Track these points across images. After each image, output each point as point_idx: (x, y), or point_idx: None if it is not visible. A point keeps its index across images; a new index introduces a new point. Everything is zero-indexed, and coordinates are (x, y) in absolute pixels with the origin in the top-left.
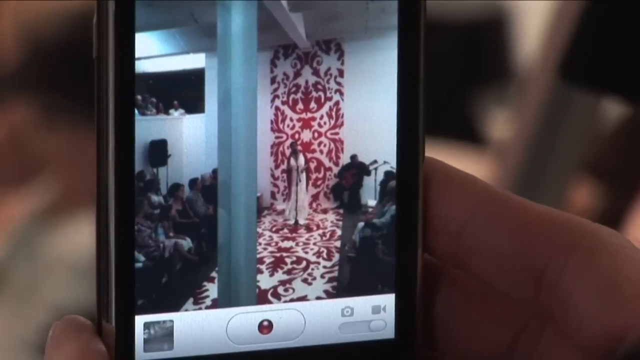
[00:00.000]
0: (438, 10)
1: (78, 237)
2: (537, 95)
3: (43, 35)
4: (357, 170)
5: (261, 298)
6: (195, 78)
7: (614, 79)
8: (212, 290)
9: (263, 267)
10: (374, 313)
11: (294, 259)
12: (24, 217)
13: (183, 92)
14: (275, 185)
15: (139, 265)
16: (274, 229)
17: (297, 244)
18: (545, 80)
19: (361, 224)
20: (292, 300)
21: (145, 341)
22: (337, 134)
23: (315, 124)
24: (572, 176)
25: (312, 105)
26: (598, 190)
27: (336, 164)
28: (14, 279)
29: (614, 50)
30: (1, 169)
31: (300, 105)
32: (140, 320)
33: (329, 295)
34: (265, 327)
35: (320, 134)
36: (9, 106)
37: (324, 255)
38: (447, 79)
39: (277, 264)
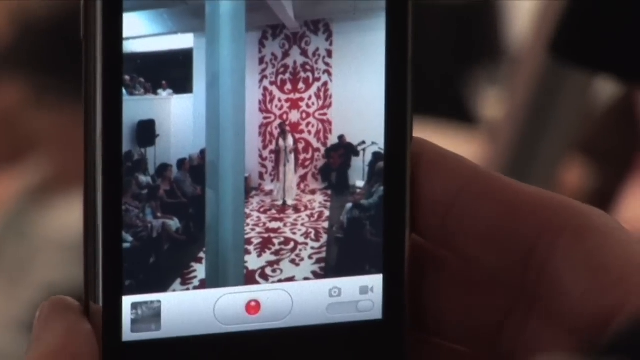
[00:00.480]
0: None
1: (69, 216)
2: (528, 74)
3: (34, 15)
4: (345, 150)
5: (249, 279)
6: (183, 58)
7: (607, 57)
8: (199, 270)
9: (251, 247)
10: (361, 294)
11: (282, 239)
12: (15, 197)
13: (171, 72)
14: (264, 166)
15: (126, 245)
16: (262, 210)
17: (285, 225)
18: (537, 59)
19: (349, 205)
20: (279, 280)
21: (133, 321)
22: (325, 114)
23: (303, 104)
24: (563, 156)
25: (301, 85)
26: (589, 170)
27: (324, 145)
28: (6, 258)
29: (608, 28)
30: None
31: (288, 86)
32: (127, 300)
33: (317, 276)
34: (253, 307)
35: (308, 115)
36: (2, 84)
37: (312, 236)
38: (439, 59)
39: (265, 244)
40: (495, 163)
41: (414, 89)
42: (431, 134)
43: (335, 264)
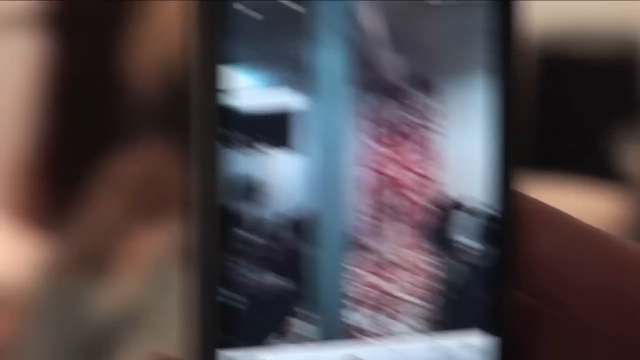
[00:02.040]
0: (575, 46)
1: None
2: None
3: (183, 74)
4: (447, 206)
5: (348, 334)
6: (283, 113)
7: None
8: (297, 325)
9: (350, 303)
10: (465, 352)
11: (382, 295)
12: (161, 253)
13: (271, 127)
14: (364, 221)
15: (224, 300)
16: (362, 266)
17: (385, 281)
18: None
19: (452, 262)
20: (379, 336)
21: None
22: (426, 169)
23: (404, 159)
24: None
25: (401, 140)
26: None
27: (427, 201)
28: (153, 317)
29: None
30: (138, 204)
31: (388, 140)
32: (223, 356)
33: (418, 332)
34: None
35: (409, 170)
36: (147, 142)
37: (414, 292)
38: (583, 115)
39: (364, 300)
40: (635, 220)
41: (516, 144)
42: (571, 191)
43: (438, 321)
